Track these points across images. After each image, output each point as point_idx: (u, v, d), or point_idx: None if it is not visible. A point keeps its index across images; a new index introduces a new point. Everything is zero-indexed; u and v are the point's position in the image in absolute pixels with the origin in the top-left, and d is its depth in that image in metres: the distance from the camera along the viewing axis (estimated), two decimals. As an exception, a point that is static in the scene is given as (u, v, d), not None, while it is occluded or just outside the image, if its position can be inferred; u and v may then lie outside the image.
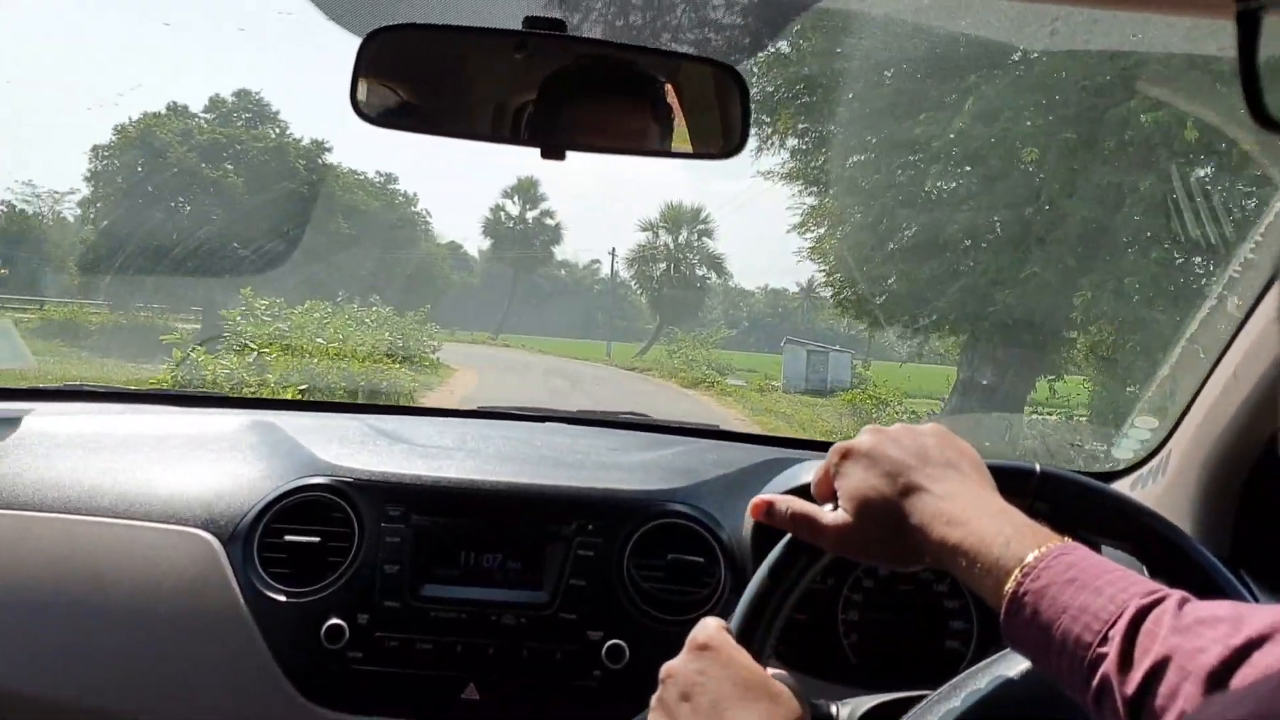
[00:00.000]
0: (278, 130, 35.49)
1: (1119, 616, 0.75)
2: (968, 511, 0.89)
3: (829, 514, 0.98)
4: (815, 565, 1.03)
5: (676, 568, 1.56)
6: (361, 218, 37.41)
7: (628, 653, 1.50)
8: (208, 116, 34.49)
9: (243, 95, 36.41)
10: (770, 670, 0.98)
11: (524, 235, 56.53)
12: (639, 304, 57.26)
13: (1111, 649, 0.74)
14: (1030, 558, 0.82)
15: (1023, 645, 0.84)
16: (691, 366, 30.02)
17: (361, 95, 1.34)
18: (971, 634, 1.58)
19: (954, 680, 1.04)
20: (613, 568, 1.56)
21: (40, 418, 1.82)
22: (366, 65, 1.32)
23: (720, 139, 1.41)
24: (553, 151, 1.39)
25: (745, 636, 1.01)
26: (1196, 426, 1.63)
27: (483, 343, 42.45)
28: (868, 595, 1.59)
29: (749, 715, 0.92)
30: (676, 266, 50.76)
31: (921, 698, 1.04)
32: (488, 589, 1.55)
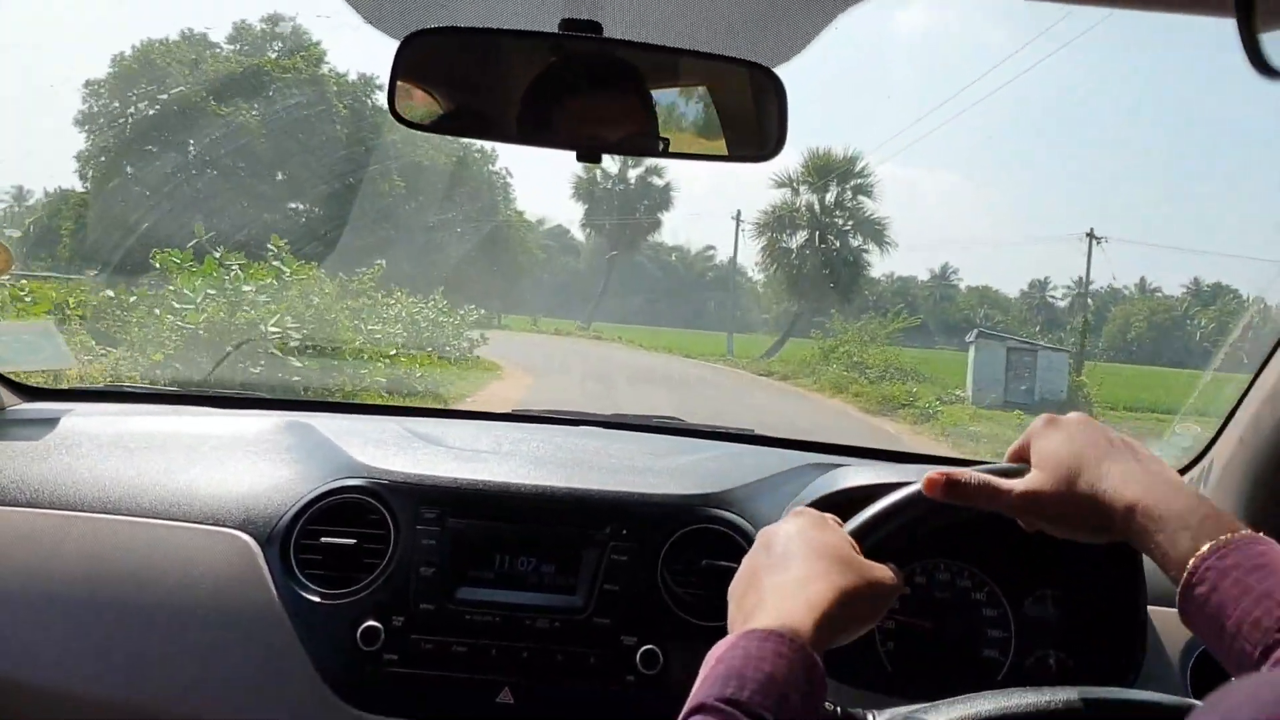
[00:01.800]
0: (313, 64, 27.70)
1: None
2: (1165, 486, 0.91)
3: (1020, 480, 1.00)
4: (945, 512, 1.05)
5: (711, 573, 1.55)
6: (422, 176, 30.40)
7: (662, 658, 1.50)
8: (232, 47, 28.13)
9: (273, 21, 30.13)
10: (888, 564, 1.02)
11: (624, 200, 46.27)
12: (768, 286, 44.42)
13: None
14: (1223, 538, 0.84)
15: (1196, 620, 0.85)
16: (856, 372, 22.50)
17: (399, 98, 1.35)
18: (1010, 642, 1.56)
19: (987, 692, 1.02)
20: (647, 573, 1.55)
21: (81, 418, 1.85)
22: (404, 68, 1.32)
23: (758, 141, 1.40)
24: (589, 154, 1.39)
25: (864, 527, 1.05)
26: (1241, 434, 1.61)
27: (568, 334, 38.10)
28: (905, 602, 1.57)
29: (815, 568, 0.95)
30: (823, 235, 37.91)
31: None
32: (522, 593, 1.55)
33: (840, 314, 30.39)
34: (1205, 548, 0.83)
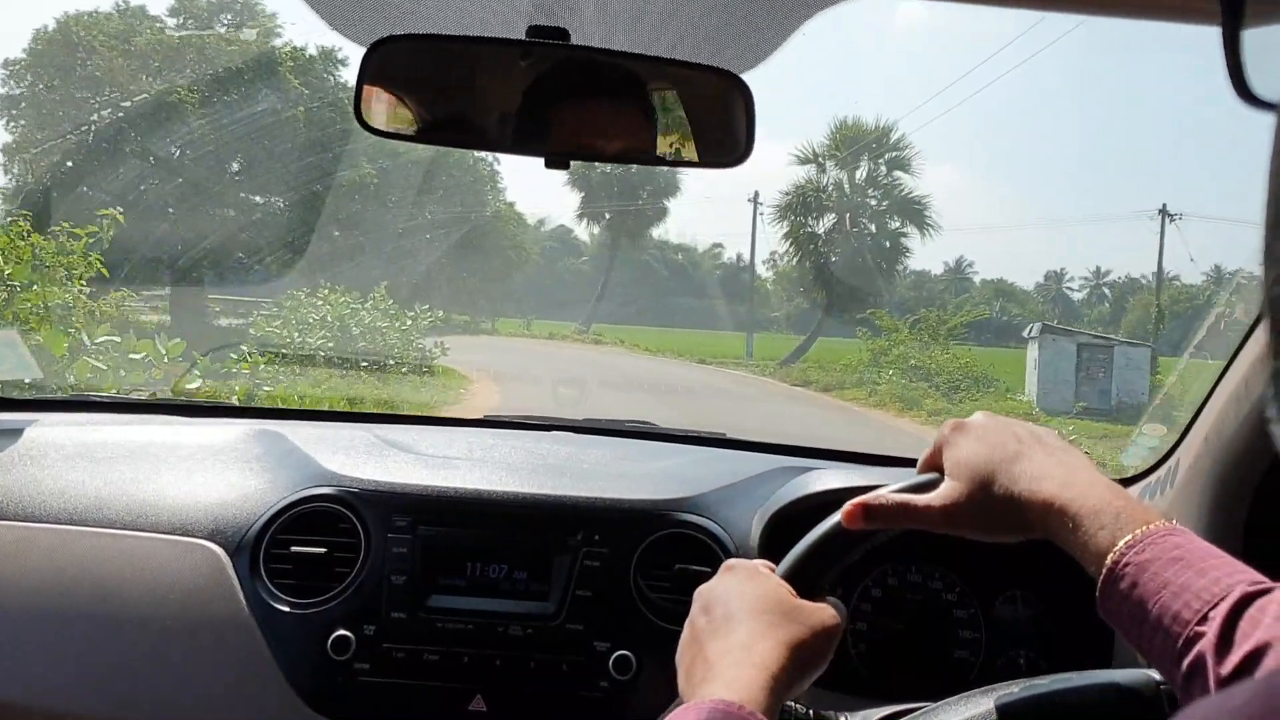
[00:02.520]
0: (265, 36, 22.50)
1: (1222, 599, 0.77)
2: (1079, 480, 0.91)
3: (934, 494, 1.00)
4: (877, 533, 1.04)
5: (684, 578, 1.55)
6: (396, 165, 25.80)
7: (635, 663, 1.50)
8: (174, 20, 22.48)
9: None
10: (828, 598, 1.01)
11: (625, 186, 38.79)
12: (788, 277, 38.52)
13: (1211, 629, 0.75)
14: (1139, 531, 0.84)
15: (1116, 615, 0.86)
16: (921, 380, 18.41)
17: (365, 105, 1.34)
18: (981, 643, 1.57)
19: (959, 695, 1.03)
20: (619, 579, 1.55)
21: (46, 428, 1.82)
22: (371, 74, 1.32)
23: (726, 147, 1.40)
24: (556, 161, 1.39)
25: (794, 570, 1.03)
26: (1206, 434, 1.62)
27: (563, 337, 32.97)
28: (877, 605, 1.58)
29: (757, 626, 0.94)
30: (855, 217, 31.75)
31: (923, 706, 1.04)
32: (494, 600, 1.55)
33: (875, 308, 25.50)
34: (1122, 543, 0.84)
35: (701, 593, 1.03)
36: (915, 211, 31.47)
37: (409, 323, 16.66)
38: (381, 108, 1.41)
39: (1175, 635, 0.78)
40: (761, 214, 35.00)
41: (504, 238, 32.93)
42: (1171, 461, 1.75)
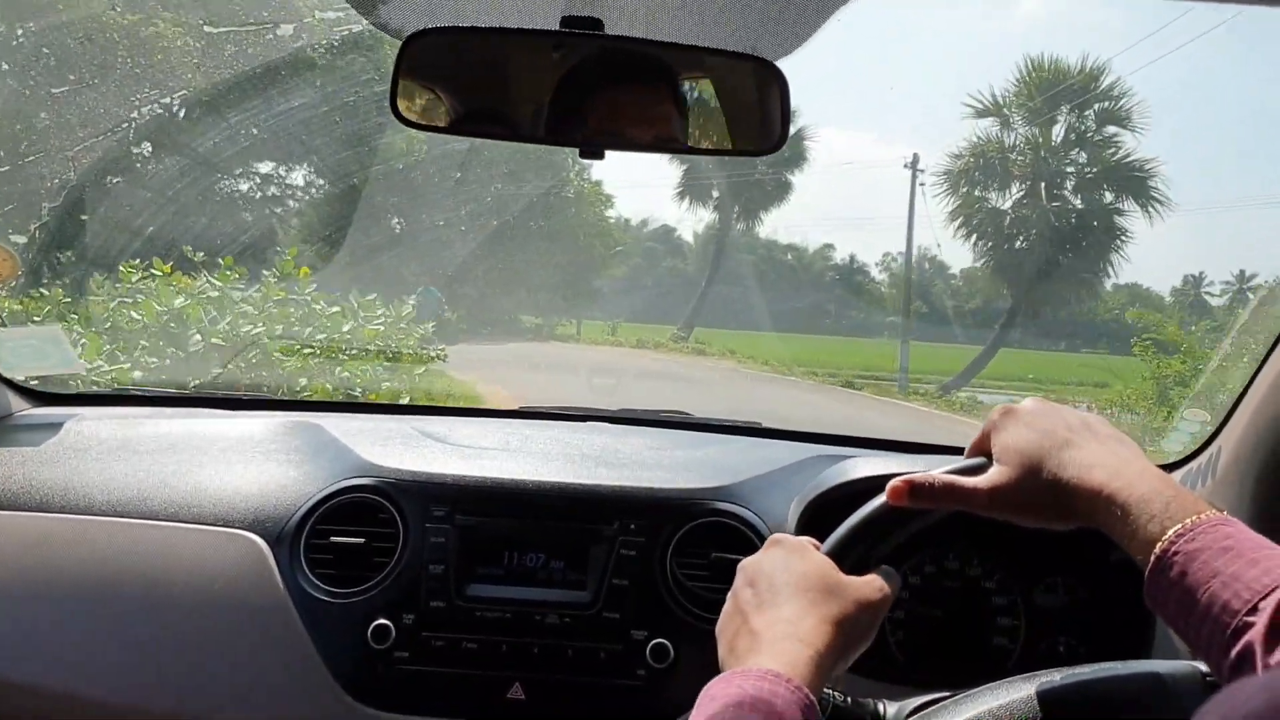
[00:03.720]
0: None
1: (1273, 590, 0.76)
2: (1128, 469, 0.91)
3: (982, 478, 0.99)
4: (924, 515, 1.04)
5: (720, 567, 1.55)
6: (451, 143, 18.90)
7: (672, 652, 1.50)
8: None
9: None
10: (880, 568, 1.02)
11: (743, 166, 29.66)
12: (944, 273, 32.55)
13: (1260, 620, 0.75)
14: (1189, 520, 0.83)
15: (1164, 604, 0.85)
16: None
17: (401, 97, 1.35)
18: (1020, 631, 1.56)
19: (999, 682, 1.03)
20: (655, 567, 1.56)
21: (90, 422, 1.85)
22: (406, 67, 1.33)
23: (760, 135, 1.40)
24: (591, 151, 1.39)
25: (840, 547, 1.03)
26: (1249, 419, 1.60)
27: (657, 346, 25.92)
28: (915, 592, 1.58)
29: (802, 602, 0.94)
30: (1051, 189, 23.08)
31: (965, 693, 1.03)
32: (531, 589, 1.55)
33: (1077, 309, 21.01)
34: (1172, 531, 0.83)
35: (746, 566, 1.03)
36: (1136, 181, 22.41)
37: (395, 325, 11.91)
38: (416, 100, 1.41)
39: (1224, 625, 0.77)
40: (922, 185, 25.97)
41: (586, 225, 26.90)
42: (1213, 448, 1.73)
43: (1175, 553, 0.82)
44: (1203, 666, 0.91)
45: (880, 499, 1.04)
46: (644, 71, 1.37)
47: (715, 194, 32.54)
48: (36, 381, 2.05)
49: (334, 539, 1.56)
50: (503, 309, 22.58)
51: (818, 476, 1.61)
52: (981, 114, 23.50)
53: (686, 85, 1.41)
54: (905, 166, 26.36)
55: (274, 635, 1.51)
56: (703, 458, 1.78)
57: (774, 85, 1.34)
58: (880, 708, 1.14)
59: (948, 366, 24.11)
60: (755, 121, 1.41)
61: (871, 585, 0.98)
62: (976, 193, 23.72)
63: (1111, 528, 0.89)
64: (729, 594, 1.03)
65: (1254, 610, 0.75)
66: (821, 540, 1.07)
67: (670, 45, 1.35)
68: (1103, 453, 0.94)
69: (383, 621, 1.50)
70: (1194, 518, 0.83)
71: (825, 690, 1.11)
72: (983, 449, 1.04)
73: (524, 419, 2.08)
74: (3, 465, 1.70)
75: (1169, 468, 1.84)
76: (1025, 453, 0.96)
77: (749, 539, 1.58)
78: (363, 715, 1.48)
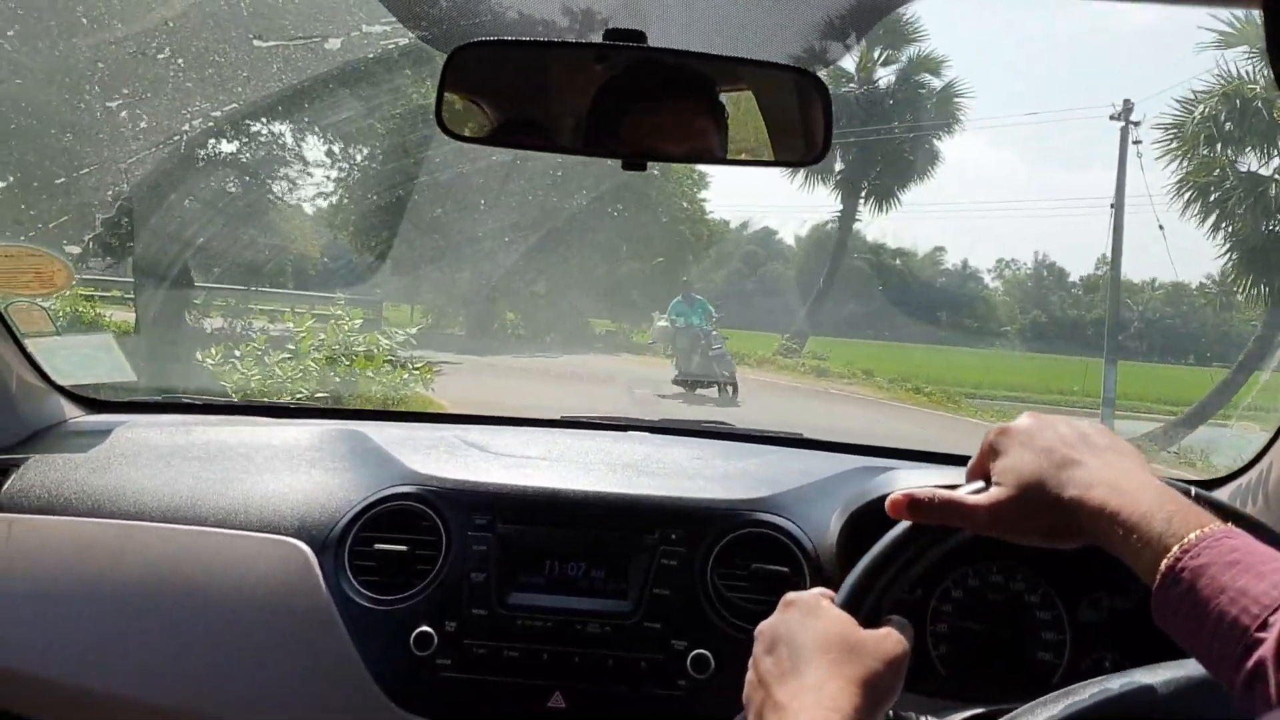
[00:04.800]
0: None
1: None
2: (1129, 483, 0.89)
3: (980, 495, 0.98)
4: (943, 543, 1.02)
5: (760, 577, 1.55)
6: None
7: (712, 662, 1.50)
8: None
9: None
10: (891, 618, 1.00)
11: (872, 109, 24.87)
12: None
13: (1272, 634, 0.73)
14: (1193, 535, 0.81)
15: (1173, 622, 0.83)
16: None
17: (446, 110, 1.37)
18: (1064, 645, 1.54)
19: (1045, 697, 1.01)
20: (696, 577, 1.55)
21: (141, 429, 1.89)
22: (451, 80, 1.34)
23: (802, 146, 1.40)
24: (634, 164, 1.40)
25: (853, 598, 1.01)
26: None
27: (763, 362, 21.25)
28: (957, 606, 1.56)
29: (824, 666, 0.92)
30: None
31: (1011, 709, 1.02)
32: (572, 598, 1.56)
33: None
34: (1176, 548, 0.81)
35: (763, 632, 1.01)
36: None
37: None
38: (461, 113, 1.43)
39: (1234, 642, 0.75)
40: (1137, 145, 20.08)
41: (675, 213, 22.53)
42: (1264, 464, 1.70)
43: (1181, 569, 0.80)
44: None
45: (885, 540, 1.03)
46: (685, 84, 1.38)
47: (838, 169, 26.17)
48: (89, 389, 2.09)
49: (378, 546, 1.57)
50: (568, 313, 20.61)
51: (860, 488, 1.61)
52: (1222, 43, 16.23)
53: (729, 97, 1.41)
54: (1113, 117, 20.48)
55: (318, 641, 1.52)
56: (744, 468, 1.78)
57: (815, 96, 1.35)
58: None
59: (1161, 392, 20.50)
60: (798, 132, 1.41)
61: (891, 639, 0.96)
62: (1217, 153, 16.37)
63: (1115, 546, 0.87)
64: (750, 662, 1.00)
65: (1264, 626, 0.74)
66: (851, 557, 1.05)
67: (711, 57, 1.35)
68: (1102, 468, 0.92)
69: (425, 629, 1.51)
70: (1197, 532, 0.81)
71: None
72: (982, 472, 1.02)
73: (566, 428, 2.09)
74: (56, 471, 1.73)
75: (1218, 482, 1.81)
76: (1023, 474, 0.95)
77: (790, 550, 1.57)
78: None
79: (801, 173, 25.37)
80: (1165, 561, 0.81)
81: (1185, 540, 0.81)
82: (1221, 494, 1.77)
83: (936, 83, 25.13)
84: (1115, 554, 0.88)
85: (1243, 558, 0.78)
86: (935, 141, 26.22)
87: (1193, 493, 1.03)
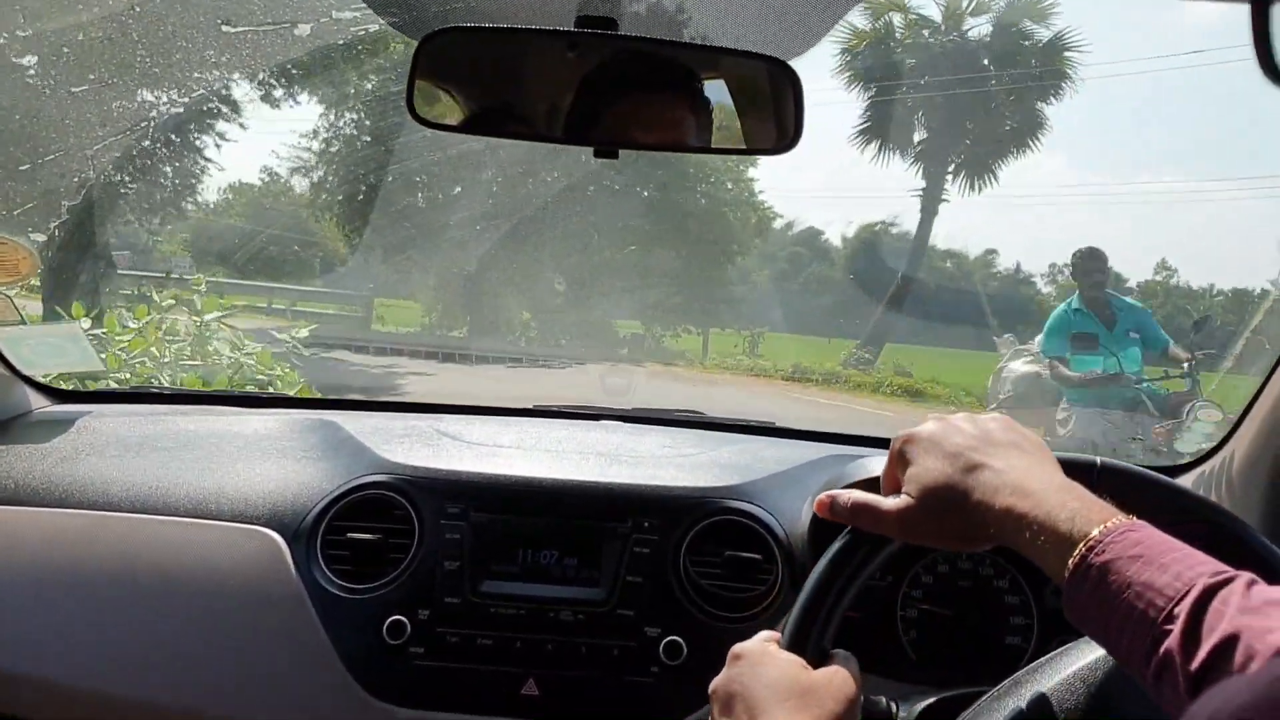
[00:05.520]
0: None
1: (1185, 594, 0.75)
2: (1032, 484, 0.90)
3: (892, 500, 0.99)
4: (873, 561, 1.03)
5: (733, 564, 1.56)
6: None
7: (685, 649, 1.51)
8: None
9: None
10: (836, 653, 1.00)
11: (959, 55, 21.31)
12: None
13: (1176, 626, 0.74)
14: (1096, 532, 0.82)
15: (1084, 620, 0.84)
16: None
17: (417, 98, 1.36)
18: (1032, 629, 1.56)
19: (1014, 676, 1.03)
20: (669, 565, 1.56)
21: (109, 419, 1.87)
22: (423, 68, 1.34)
23: (775, 134, 1.41)
24: (605, 151, 1.40)
25: (798, 637, 1.02)
26: (1263, 420, 1.60)
27: (835, 384, 16.64)
28: (927, 591, 1.58)
29: (781, 716, 0.92)
30: None
31: (981, 694, 1.04)
32: (545, 585, 1.56)
33: None
34: (1081, 546, 0.82)
35: (716, 689, 1.00)
36: None
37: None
38: (433, 100, 1.42)
39: (1142, 635, 0.76)
40: None
41: (714, 194, 18.96)
42: (1226, 452, 1.73)
43: (1087, 567, 0.81)
44: None
45: (814, 573, 1.04)
46: (657, 71, 1.38)
47: (918, 140, 22.18)
48: (56, 378, 2.07)
49: (350, 535, 1.57)
50: (589, 312, 16.99)
51: (831, 476, 1.62)
52: None
53: (700, 85, 1.41)
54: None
55: (290, 631, 1.52)
56: (716, 456, 1.79)
57: (787, 84, 1.35)
58: (892, 706, 1.14)
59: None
60: (769, 121, 1.42)
61: (839, 676, 0.96)
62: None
63: (1024, 549, 0.88)
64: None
65: (1170, 618, 0.75)
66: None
67: (684, 45, 1.35)
68: (1006, 469, 0.92)
69: (398, 617, 1.51)
70: (1100, 529, 0.82)
71: None
72: (894, 481, 1.02)
73: (538, 417, 2.09)
74: (23, 461, 1.71)
75: (1181, 469, 1.84)
76: (930, 481, 0.96)
77: (762, 537, 1.58)
78: (377, 710, 1.49)
79: (872, 147, 21.78)
80: (1071, 561, 0.82)
81: (1089, 538, 0.82)
82: (1185, 480, 1.80)
83: (1043, 32, 20.83)
84: (1026, 555, 0.88)
85: (1145, 550, 0.79)
86: (1040, 104, 21.50)
87: (1098, 464, 1.06)
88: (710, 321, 19.45)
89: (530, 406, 2.17)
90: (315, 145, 16.85)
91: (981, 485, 0.92)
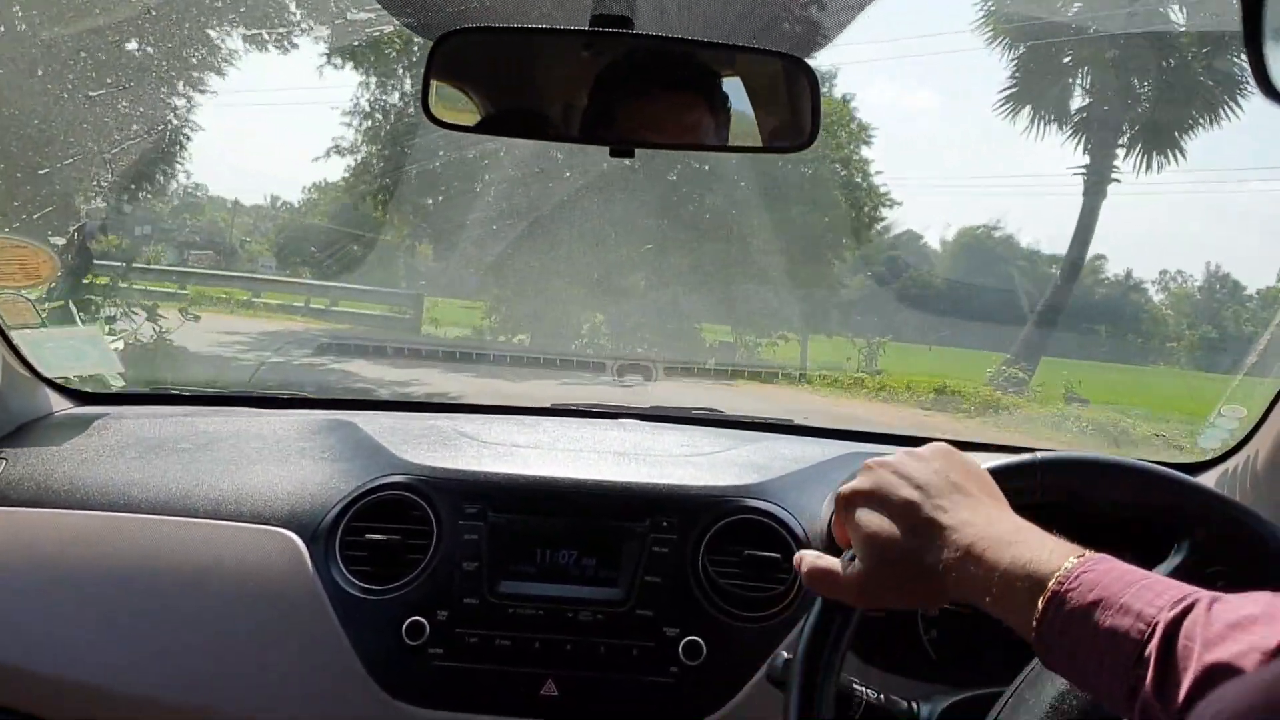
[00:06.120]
0: None
1: (1151, 634, 0.73)
2: (983, 542, 0.86)
3: (848, 567, 0.96)
4: (850, 623, 1.03)
5: (752, 564, 1.55)
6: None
7: (704, 649, 1.50)
8: None
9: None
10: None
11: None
12: None
13: (1148, 672, 0.72)
14: (1052, 584, 0.80)
15: (1063, 673, 0.83)
16: None
17: (433, 99, 1.36)
18: None
19: (1030, 674, 1.02)
20: (688, 564, 1.56)
21: (129, 421, 1.88)
22: (438, 68, 1.34)
23: (792, 131, 1.40)
24: (621, 150, 1.40)
25: (805, 694, 1.02)
26: None
27: (988, 408, 11.79)
28: None
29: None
30: None
31: (1001, 694, 1.03)
32: (564, 585, 1.56)
33: None
34: (1040, 604, 0.79)
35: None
36: None
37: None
38: (448, 101, 1.42)
39: (1118, 682, 0.75)
40: None
41: (822, 176, 15.90)
42: (1250, 449, 1.71)
43: (1050, 622, 0.79)
44: None
45: (803, 638, 1.04)
46: (673, 69, 1.38)
47: (1077, 107, 17.84)
48: (76, 380, 2.09)
49: (369, 536, 1.57)
50: (672, 315, 14.32)
51: (850, 473, 1.61)
52: None
53: (717, 83, 1.41)
54: None
55: (309, 632, 1.52)
56: (735, 455, 1.78)
57: (804, 81, 1.35)
58: (913, 706, 1.14)
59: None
60: (787, 118, 1.41)
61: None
62: None
63: (986, 607, 0.85)
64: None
65: (1140, 662, 0.73)
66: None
67: (699, 43, 1.35)
68: (955, 526, 0.89)
69: (417, 618, 1.51)
70: (1056, 578, 0.79)
71: (857, 687, 1.11)
72: (845, 536, 0.99)
73: (556, 416, 2.08)
74: (43, 463, 1.72)
75: (1204, 465, 1.82)
76: (879, 548, 0.92)
77: (781, 536, 1.58)
78: (397, 711, 1.49)
79: (1023, 115, 17.53)
80: (1034, 620, 0.80)
81: (1046, 592, 0.79)
82: (1208, 478, 1.79)
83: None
84: (989, 613, 0.86)
85: (1104, 593, 0.77)
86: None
87: (1037, 461, 1.05)
88: (811, 326, 16.03)
89: (549, 406, 2.17)
90: (357, 130, 15.18)
91: (932, 549, 0.89)
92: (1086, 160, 17.60)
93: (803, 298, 15.19)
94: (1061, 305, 17.57)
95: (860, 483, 0.98)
